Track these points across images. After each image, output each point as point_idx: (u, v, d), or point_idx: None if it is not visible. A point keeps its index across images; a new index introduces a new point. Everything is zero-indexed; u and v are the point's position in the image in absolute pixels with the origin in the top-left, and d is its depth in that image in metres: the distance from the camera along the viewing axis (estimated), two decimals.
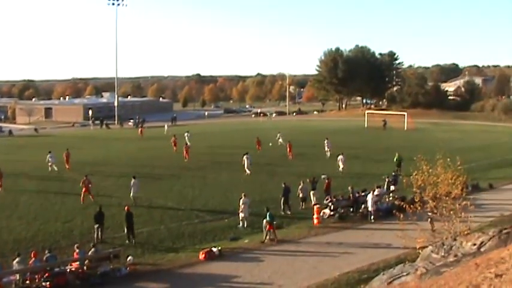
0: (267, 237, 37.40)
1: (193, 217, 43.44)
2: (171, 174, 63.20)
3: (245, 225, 40.69)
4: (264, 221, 38.11)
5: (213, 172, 63.78)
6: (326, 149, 76.95)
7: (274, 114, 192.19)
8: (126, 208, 39.03)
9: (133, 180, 48.81)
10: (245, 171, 63.01)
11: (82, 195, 49.18)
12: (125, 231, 38.13)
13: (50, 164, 67.35)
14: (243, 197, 41.38)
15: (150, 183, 57.58)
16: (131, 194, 48.30)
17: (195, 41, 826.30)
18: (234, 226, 40.92)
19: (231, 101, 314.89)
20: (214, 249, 34.61)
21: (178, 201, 49.31)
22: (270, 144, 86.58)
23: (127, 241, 37.70)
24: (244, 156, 64.30)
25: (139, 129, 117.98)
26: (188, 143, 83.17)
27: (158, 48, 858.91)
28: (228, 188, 54.41)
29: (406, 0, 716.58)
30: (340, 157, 63.71)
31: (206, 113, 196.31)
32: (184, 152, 76.07)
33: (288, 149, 76.69)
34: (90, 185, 49.92)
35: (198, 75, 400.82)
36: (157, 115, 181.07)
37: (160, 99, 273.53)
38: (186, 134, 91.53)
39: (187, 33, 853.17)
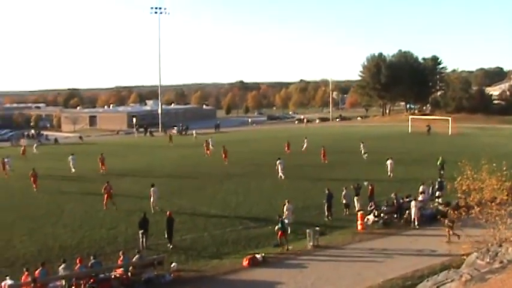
0: (311, 243, 37.38)
1: (237, 224, 43.50)
2: (215, 181, 63.36)
3: (289, 232, 40.67)
4: (276, 227, 38.29)
5: (256, 179, 63.85)
6: (362, 152, 79.38)
7: (305, 120, 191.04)
8: (168, 213, 39.34)
9: (152, 189, 49.11)
10: (279, 176, 63.96)
11: (105, 201, 50.29)
12: (166, 236, 38.53)
13: (71, 165, 72.41)
14: (287, 203, 41.42)
15: (194, 190, 57.94)
16: (151, 202, 48.66)
17: (238, 48, 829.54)
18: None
19: (274, 108, 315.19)
20: (258, 256, 34.67)
21: (222, 208, 49.42)
22: (303, 148, 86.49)
23: (169, 245, 38.04)
24: (278, 161, 65.23)
25: (169, 136, 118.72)
26: (211, 147, 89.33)
27: (201, 56, 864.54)
28: (271, 194, 54.40)
29: (450, 5, 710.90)
30: (389, 161, 63.88)
31: (249, 120, 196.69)
32: (223, 156, 78.89)
33: (322, 155, 77.16)
34: (111, 191, 50.88)
35: (241, 82, 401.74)
36: (200, 122, 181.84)
37: (204, 106, 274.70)
38: (209, 140, 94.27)
39: (230, 40, 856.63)
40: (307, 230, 38.08)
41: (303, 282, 30.97)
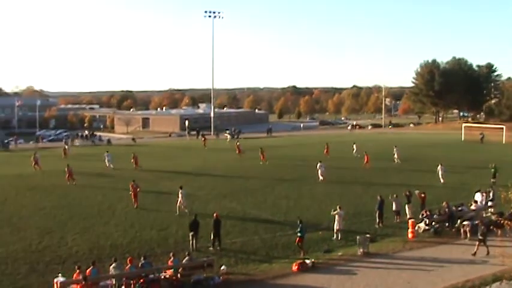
0: (361, 250, 37.22)
1: (288, 228, 43.39)
2: (266, 185, 63.39)
3: (339, 238, 40.54)
4: (297, 232, 38.25)
5: (307, 183, 63.64)
6: (395, 156, 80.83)
7: (349, 127, 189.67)
8: (215, 215, 39.56)
9: (180, 191, 49.59)
10: (319, 178, 65.23)
11: (133, 199, 51.74)
12: (211, 237, 38.71)
13: (107, 163, 77.25)
14: (338, 209, 41.28)
15: (245, 193, 58.10)
16: (178, 204, 49.13)
17: (291, 53, 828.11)
18: (328, 238, 40.77)
19: (327, 113, 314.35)
20: (308, 261, 34.65)
21: (272, 212, 49.43)
22: (357, 155, 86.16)
23: (211, 248, 38.27)
24: (318, 165, 66.31)
25: (203, 139, 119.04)
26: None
27: (254, 60, 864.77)
28: (322, 199, 54.21)
29: (505, 11, 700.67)
30: (439, 167, 63.50)
31: (302, 125, 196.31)
32: (262, 157, 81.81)
33: (365, 160, 77.32)
34: (138, 190, 52.19)
35: (294, 87, 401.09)
36: (252, 126, 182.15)
37: (256, 110, 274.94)
38: (237, 143, 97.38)
39: (283, 44, 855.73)
40: (358, 237, 37.97)
41: None
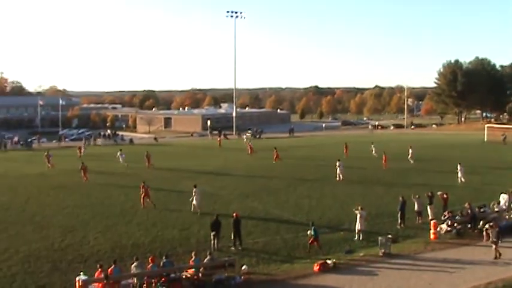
0: (382, 251, 37.10)
1: (309, 228, 43.44)
2: (288, 184, 63.39)
3: (361, 238, 40.42)
4: (308, 232, 38.29)
5: (329, 183, 63.58)
6: (409, 156, 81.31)
7: (369, 127, 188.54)
8: (234, 215, 39.68)
9: (194, 189, 49.91)
10: (338, 177, 66.37)
11: (142, 199, 52.10)
12: (232, 237, 38.75)
13: (120, 160, 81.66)
14: (360, 210, 41.16)
15: (267, 193, 58.14)
16: (193, 203, 49.48)
17: (313, 53, 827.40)
18: (349, 239, 40.60)
19: (349, 113, 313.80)
20: (329, 262, 34.56)
21: (294, 212, 49.32)
22: (376, 155, 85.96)
23: (232, 247, 38.27)
24: (337, 163, 67.69)
25: (218, 139, 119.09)
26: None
27: (276, 60, 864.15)
28: (344, 199, 54.07)
29: None
30: (459, 167, 63.50)
31: (324, 125, 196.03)
32: (275, 157, 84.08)
33: (384, 160, 77.48)
34: (148, 189, 52.77)
35: (316, 87, 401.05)
36: (274, 126, 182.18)
37: (278, 110, 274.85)
38: (249, 143, 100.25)
39: (305, 44, 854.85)
40: (379, 238, 37.81)
41: None
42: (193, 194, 49.54)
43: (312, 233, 37.68)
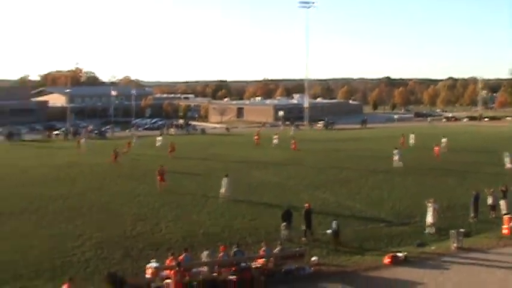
0: (454, 244, 36.56)
1: (380, 220, 43.11)
2: (359, 176, 63.01)
3: (432, 231, 39.91)
4: (329, 230, 37.76)
5: (400, 175, 63.04)
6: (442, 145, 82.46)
7: (429, 119, 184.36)
8: (306, 205, 39.64)
9: (224, 178, 50.98)
10: (397, 164, 69.04)
11: (158, 183, 54.34)
12: (303, 228, 38.62)
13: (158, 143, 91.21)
14: (432, 202, 40.61)
15: (338, 184, 57.99)
16: (221, 191, 50.41)
17: (385, 44, 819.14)
18: (421, 232, 40.12)
19: (422, 105, 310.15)
20: (400, 254, 34.24)
21: (365, 203, 49.05)
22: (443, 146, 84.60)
23: (303, 238, 38.13)
24: (395, 151, 70.83)
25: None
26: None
27: (348, 51, 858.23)
28: (416, 192, 53.38)
29: None
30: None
31: (396, 117, 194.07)
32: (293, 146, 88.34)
33: (436, 152, 77.68)
34: (164, 174, 54.72)
35: (388, 78, 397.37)
36: (346, 117, 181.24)
37: (350, 101, 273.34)
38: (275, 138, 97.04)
39: (377, 35, 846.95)
40: (451, 231, 37.27)
41: (444, 284, 30.31)
42: (223, 183, 51.00)
43: (334, 227, 37.21)
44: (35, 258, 34.06)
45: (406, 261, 33.72)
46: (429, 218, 40.23)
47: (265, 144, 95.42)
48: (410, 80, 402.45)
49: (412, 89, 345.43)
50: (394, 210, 46.23)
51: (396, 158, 69.66)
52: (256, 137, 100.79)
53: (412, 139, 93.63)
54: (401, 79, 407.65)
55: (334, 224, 37.21)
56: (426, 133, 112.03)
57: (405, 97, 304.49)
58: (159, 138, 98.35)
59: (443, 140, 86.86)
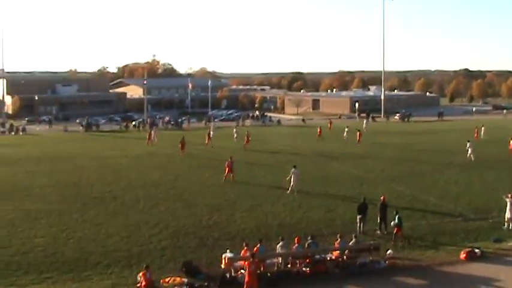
0: None
1: (456, 214, 42.51)
2: (435, 169, 62.30)
3: (510, 227, 39.17)
4: (392, 223, 36.92)
5: (478, 169, 61.91)
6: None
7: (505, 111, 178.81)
8: (382, 198, 39.40)
9: (293, 170, 50.49)
10: (470, 157, 68.66)
11: (225, 174, 54.75)
12: (378, 221, 38.46)
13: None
14: (510, 197, 39.83)
15: (414, 177, 57.50)
16: (291, 183, 49.94)
17: (464, 35, 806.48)
18: (498, 227, 39.41)
19: (500, 98, 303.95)
20: (476, 250, 33.75)
21: (441, 197, 48.39)
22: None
23: (378, 231, 38.01)
24: (467, 144, 70.27)
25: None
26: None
27: (426, 42, 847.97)
28: (494, 186, 52.33)
29: None
30: None
31: (474, 109, 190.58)
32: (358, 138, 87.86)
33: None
34: (232, 166, 55.14)
35: (467, 70, 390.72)
36: (423, 109, 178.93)
37: (427, 93, 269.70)
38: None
39: (455, 26, 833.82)
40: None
41: None
42: (291, 174, 50.42)
43: (396, 221, 36.74)
44: (112, 246, 34.88)
45: (482, 257, 33.20)
46: (507, 214, 39.49)
47: (337, 136, 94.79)
48: (489, 71, 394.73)
49: (490, 81, 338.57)
50: (471, 205, 45.52)
51: (469, 151, 69.17)
52: (329, 126, 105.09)
53: (482, 132, 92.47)
54: (479, 71, 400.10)
55: (396, 218, 36.68)
56: (501, 126, 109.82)
57: (483, 89, 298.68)
58: (235, 129, 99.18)
59: None
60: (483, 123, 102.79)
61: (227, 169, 55.20)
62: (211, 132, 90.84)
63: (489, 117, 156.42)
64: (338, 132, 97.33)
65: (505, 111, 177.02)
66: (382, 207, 38.37)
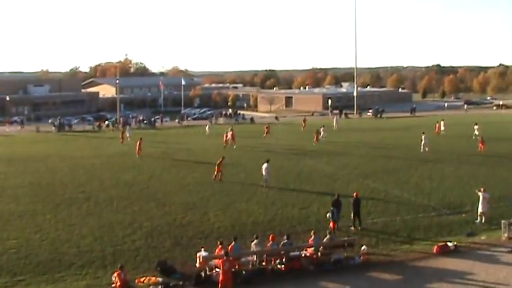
0: (505, 235, 36.13)
1: (430, 210, 42.75)
2: (409, 165, 62.54)
3: (483, 221, 39.47)
4: (328, 214, 37.63)
5: (451, 164, 62.32)
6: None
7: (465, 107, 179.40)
8: (354, 194, 39.55)
9: (265, 164, 51.53)
10: (422, 148, 72.28)
11: (215, 173, 54.42)
12: (352, 217, 38.59)
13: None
14: (482, 192, 40.15)
15: (387, 173, 57.63)
16: (263, 177, 51.08)
17: (435, 31, 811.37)
18: (471, 221, 39.69)
19: (472, 93, 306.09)
20: (450, 244, 33.99)
21: (415, 192, 48.59)
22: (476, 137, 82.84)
23: (352, 227, 38.14)
24: (423, 136, 73.59)
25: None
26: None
27: (397, 39, 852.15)
28: (466, 181, 52.82)
29: None
30: None
31: (446, 105, 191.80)
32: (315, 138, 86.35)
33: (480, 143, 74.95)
34: (222, 166, 55.12)
35: (438, 65, 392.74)
36: (396, 105, 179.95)
37: (400, 89, 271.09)
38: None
39: (427, 22, 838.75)
40: (502, 221, 36.83)
41: (495, 274, 29.96)
42: (264, 169, 51.35)
43: (330, 215, 37.02)
44: (86, 246, 34.64)
45: (455, 251, 33.47)
46: (480, 208, 39.79)
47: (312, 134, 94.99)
48: (460, 67, 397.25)
49: (462, 77, 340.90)
50: (444, 200, 45.79)
51: (423, 142, 72.60)
52: (303, 125, 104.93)
53: (443, 126, 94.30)
54: (451, 66, 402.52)
55: (331, 212, 37.54)
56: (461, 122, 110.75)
57: (455, 85, 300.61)
58: (207, 127, 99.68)
59: (476, 126, 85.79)
60: (443, 117, 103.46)
61: (217, 168, 54.73)
62: (127, 134, 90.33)
63: (462, 113, 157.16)
64: (312, 131, 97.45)
65: (465, 106, 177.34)
66: (355, 203, 38.50)
